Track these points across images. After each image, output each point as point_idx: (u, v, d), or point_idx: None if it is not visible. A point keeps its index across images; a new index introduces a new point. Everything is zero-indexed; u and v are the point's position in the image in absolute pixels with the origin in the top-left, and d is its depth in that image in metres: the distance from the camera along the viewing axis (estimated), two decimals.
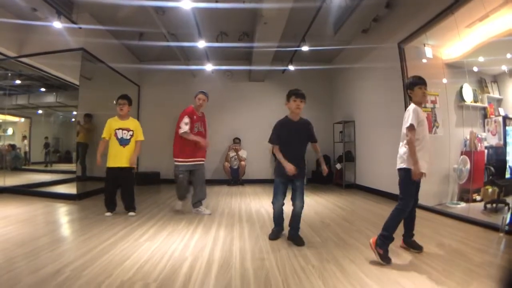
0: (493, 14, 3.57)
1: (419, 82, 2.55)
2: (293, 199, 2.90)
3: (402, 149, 2.51)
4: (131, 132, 3.99)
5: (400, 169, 2.50)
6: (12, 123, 7.15)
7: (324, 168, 2.96)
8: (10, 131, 7.09)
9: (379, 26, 5.39)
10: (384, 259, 2.28)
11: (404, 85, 4.70)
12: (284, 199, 2.98)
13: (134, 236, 2.98)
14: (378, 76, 5.82)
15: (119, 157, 3.90)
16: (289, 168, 2.77)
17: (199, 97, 4.16)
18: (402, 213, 2.41)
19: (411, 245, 2.60)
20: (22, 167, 7.04)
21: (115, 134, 3.91)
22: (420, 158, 2.39)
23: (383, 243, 2.32)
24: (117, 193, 4.01)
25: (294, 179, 2.88)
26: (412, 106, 2.51)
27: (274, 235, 2.99)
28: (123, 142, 3.93)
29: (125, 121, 4.01)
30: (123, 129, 3.95)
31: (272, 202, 3.01)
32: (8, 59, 5.45)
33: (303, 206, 2.88)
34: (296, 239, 2.83)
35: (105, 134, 3.92)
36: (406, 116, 2.49)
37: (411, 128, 2.41)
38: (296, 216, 2.89)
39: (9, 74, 6.24)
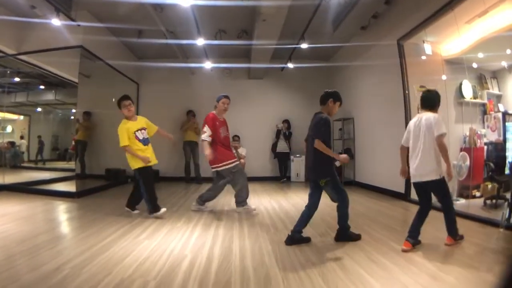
0: (492, 9, 3.57)
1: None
2: (318, 198, 2.84)
3: (433, 161, 2.61)
4: (146, 131, 3.94)
5: (435, 181, 2.59)
6: (11, 121, 7.14)
7: None
8: (9, 128, 7.09)
9: (378, 23, 5.36)
10: (461, 238, 2.66)
11: (405, 85, 4.69)
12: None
13: (133, 234, 2.98)
14: (377, 73, 5.80)
15: (149, 156, 3.83)
16: (345, 157, 2.81)
17: (224, 101, 4.05)
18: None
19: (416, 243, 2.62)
20: (21, 164, 7.04)
21: (136, 137, 3.78)
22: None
23: (456, 230, 2.62)
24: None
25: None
26: (436, 114, 2.66)
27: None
28: (146, 141, 3.85)
29: (136, 121, 3.90)
30: (140, 130, 3.86)
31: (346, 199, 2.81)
32: (6, 56, 5.42)
33: None
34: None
35: (126, 142, 3.67)
36: (432, 123, 2.61)
37: (444, 136, 2.61)
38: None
39: (8, 72, 6.22)
